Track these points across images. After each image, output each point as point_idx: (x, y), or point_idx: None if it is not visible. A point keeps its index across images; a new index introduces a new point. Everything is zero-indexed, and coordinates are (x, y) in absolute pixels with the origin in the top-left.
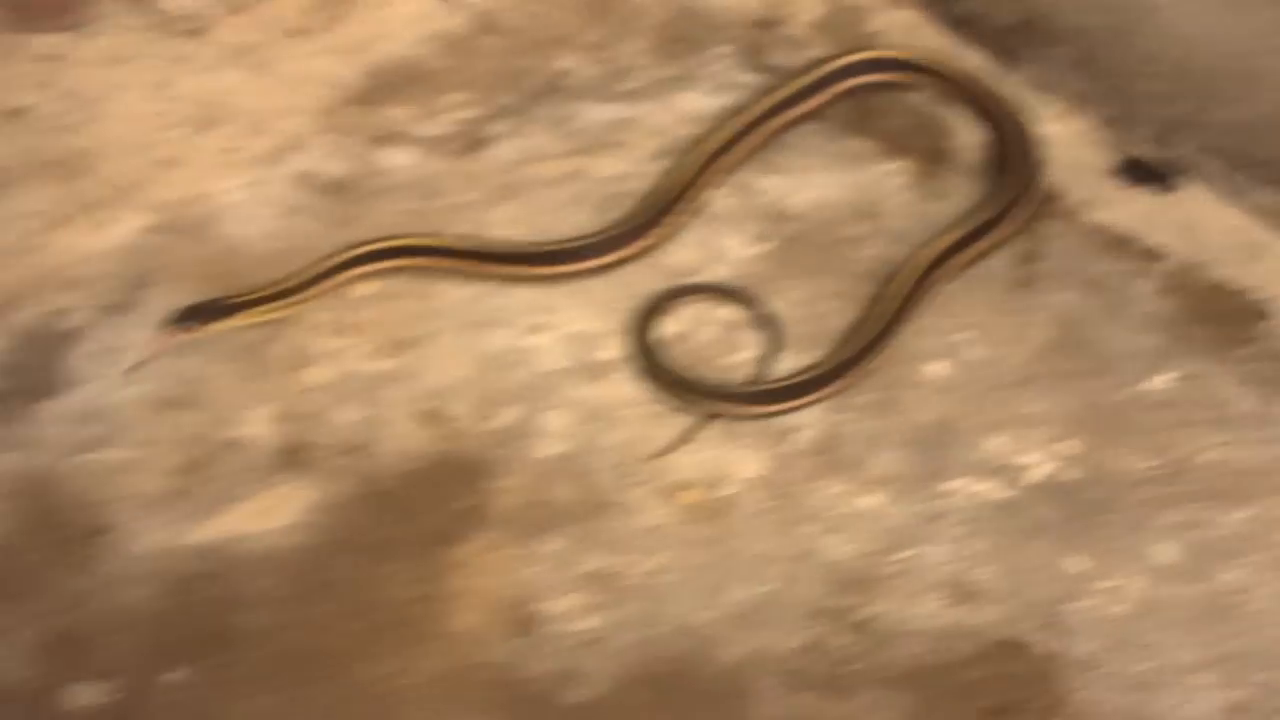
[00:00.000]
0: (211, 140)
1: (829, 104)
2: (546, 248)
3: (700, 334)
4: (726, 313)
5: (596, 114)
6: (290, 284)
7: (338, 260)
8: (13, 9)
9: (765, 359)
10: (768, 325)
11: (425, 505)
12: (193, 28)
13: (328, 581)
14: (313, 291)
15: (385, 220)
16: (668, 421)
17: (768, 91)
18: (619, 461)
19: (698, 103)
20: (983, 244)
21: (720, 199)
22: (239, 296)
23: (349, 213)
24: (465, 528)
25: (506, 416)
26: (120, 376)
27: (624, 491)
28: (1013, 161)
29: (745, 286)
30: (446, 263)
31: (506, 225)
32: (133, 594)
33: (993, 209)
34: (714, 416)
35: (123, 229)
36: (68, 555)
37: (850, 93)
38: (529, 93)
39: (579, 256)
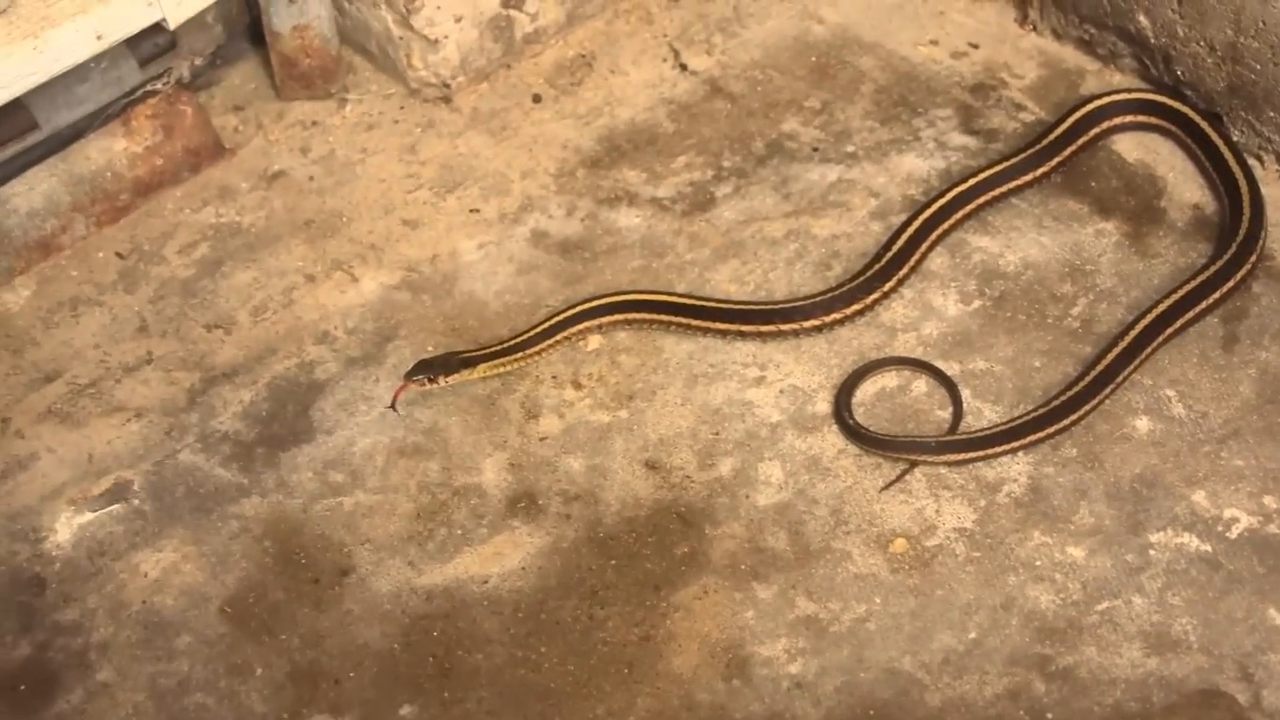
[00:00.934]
0: (454, 201)
1: (1050, 171)
2: (769, 307)
3: (906, 394)
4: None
5: (817, 175)
6: (522, 339)
7: (568, 315)
8: (285, 75)
9: (956, 417)
10: (950, 389)
11: (647, 551)
12: (440, 95)
13: (552, 623)
14: (543, 346)
15: (614, 277)
16: (878, 472)
17: (991, 159)
18: (831, 511)
19: (915, 165)
20: (1204, 305)
21: (935, 258)
22: (474, 351)
23: (579, 270)
24: (684, 573)
25: (726, 466)
26: (366, 424)
27: (835, 540)
28: (1237, 221)
29: (925, 359)
30: (673, 319)
31: (729, 283)
32: (369, 632)
33: (1218, 269)
34: (913, 465)
35: (371, 285)
36: (312, 595)
37: (1078, 151)
38: (754, 155)
39: (800, 316)
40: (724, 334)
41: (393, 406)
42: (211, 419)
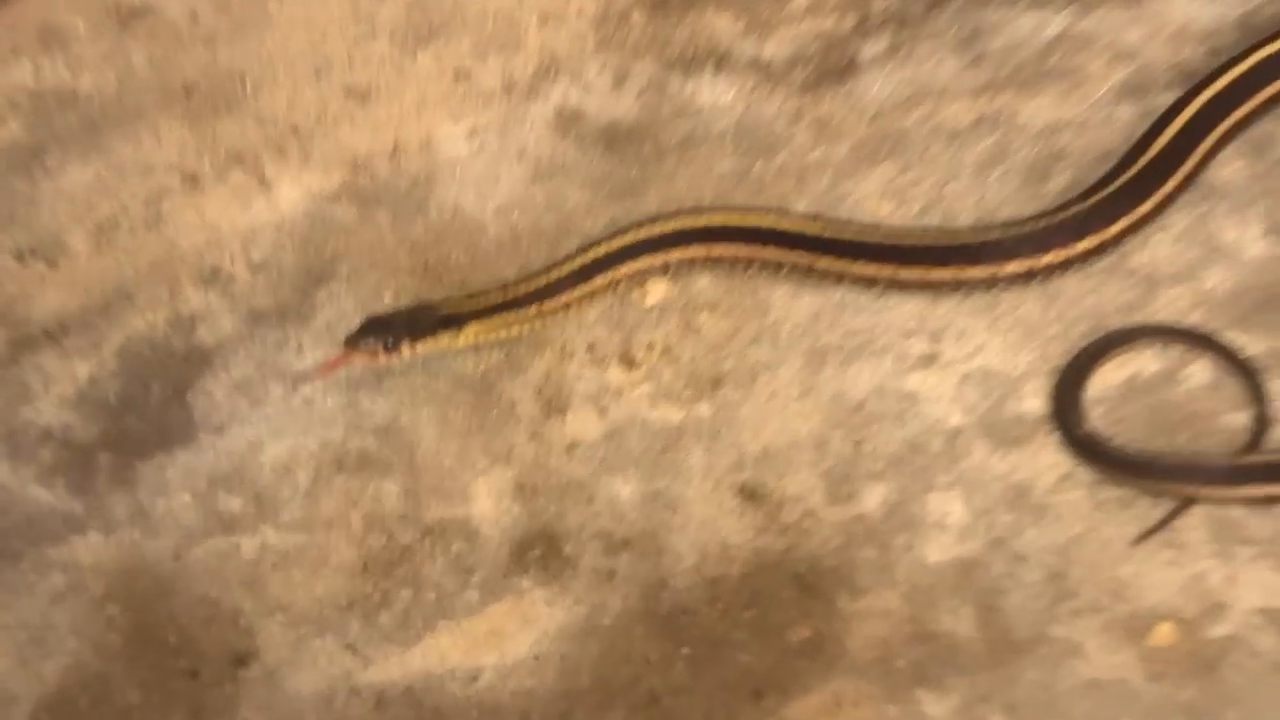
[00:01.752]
0: (429, 60)
1: None
2: (946, 240)
3: (1174, 386)
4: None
5: (1028, 26)
6: (537, 285)
7: (611, 249)
8: None
9: (1259, 423)
10: (1249, 378)
11: (741, 634)
12: None
13: None
14: (574, 296)
15: (689, 188)
16: (1128, 513)
17: None
18: (1049, 575)
19: (1193, 9)
20: None
21: (1225, 163)
22: (460, 303)
23: (634, 175)
24: (805, 671)
25: (873, 498)
26: (281, 419)
27: (1056, 623)
28: None
29: (1206, 330)
30: (785, 256)
31: (879, 199)
32: None
33: None
34: (1188, 503)
35: (291, 193)
36: (187, 697)
37: None
38: None
39: (998, 255)
40: (872, 283)
41: (320, 386)
42: (24, 405)
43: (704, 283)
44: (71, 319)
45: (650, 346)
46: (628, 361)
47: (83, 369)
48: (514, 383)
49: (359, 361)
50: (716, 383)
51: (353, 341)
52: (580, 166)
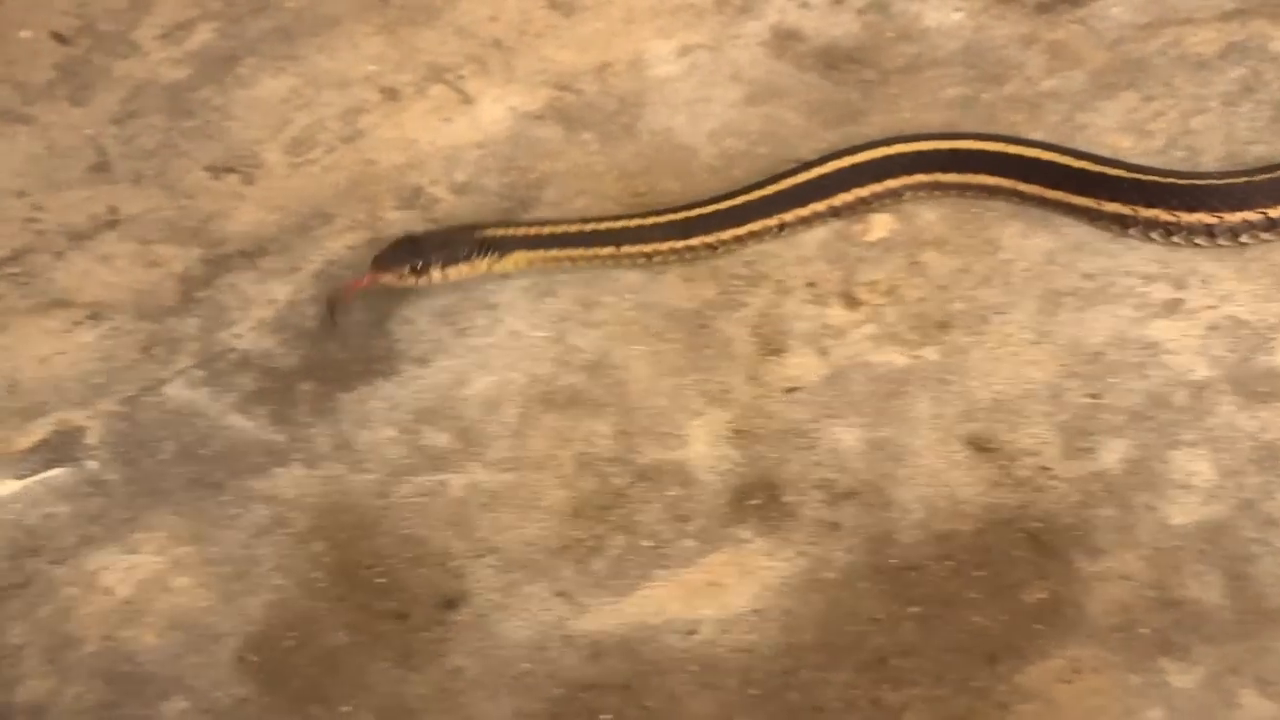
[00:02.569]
0: None
1: None
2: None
3: None
4: None
5: None
6: (623, 226)
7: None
8: None
9: None
10: None
11: (972, 593)
12: None
13: (809, 710)
14: (661, 248)
15: (913, 115)
16: None
17: None
18: None
19: None
20: None
21: None
22: (505, 228)
23: (855, 100)
24: (1041, 635)
25: (1113, 453)
26: (486, 350)
27: None
28: None
29: None
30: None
31: (1118, 132)
32: (491, 709)
33: None
34: None
35: (494, 111)
36: (396, 640)
37: None
38: None
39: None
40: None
41: (331, 316)
42: (222, 329)
43: (930, 217)
44: (268, 239)
45: (873, 285)
46: (850, 300)
47: (281, 291)
48: (729, 319)
49: (386, 283)
50: (944, 325)
51: (381, 262)
52: (797, 90)
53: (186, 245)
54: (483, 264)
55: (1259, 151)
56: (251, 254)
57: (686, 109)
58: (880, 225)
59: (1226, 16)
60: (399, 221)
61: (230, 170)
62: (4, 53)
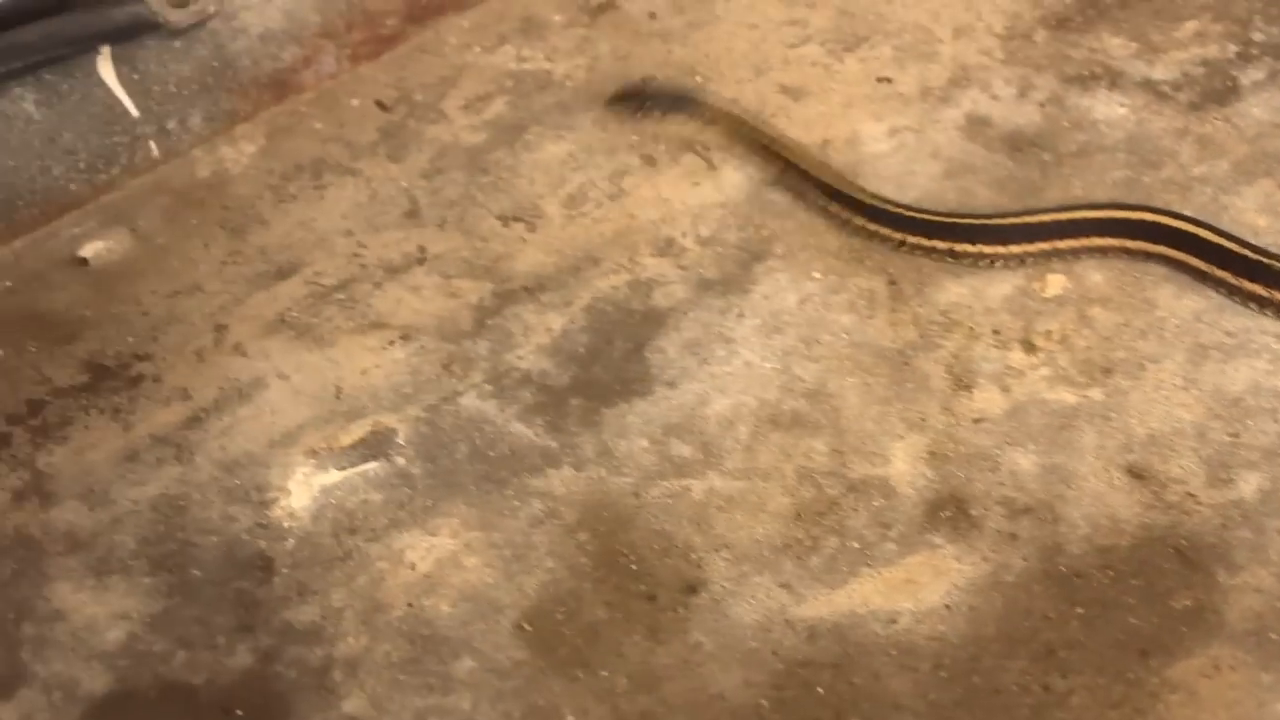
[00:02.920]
0: (855, 65)
1: None
2: None
3: None
4: None
5: None
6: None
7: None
8: None
9: None
10: None
11: (1130, 599)
12: None
13: (989, 691)
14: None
15: (1084, 192)
16: None
17: None
18: None
19: None
20: None
21: None
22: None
23: (1034, 178)
24: (1185, 636)
25: (1249, 484)
26: (724, 377)
27: None
28: None
29: None
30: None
31: (1256, 213)
32: (726, 679)
33: None
34: None
35: (735, 177)
36: (646, 617)
37: None
38: None
39: None
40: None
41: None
42: (507, 351)
43: (1097, 278)
44: (547, 277)
45: (1048, 334)
46: (1028, 346)
47: (556, 321)
48: (927, 359)
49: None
50: (1108, 371)
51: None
52: (987, 167)
53: (480, 280)
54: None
55: None
56: (533, 289)
57: (894, 180)
58: (1055, 284)
59: None
60: (654, 266)
61: (517, 219)
62: (337, 117)
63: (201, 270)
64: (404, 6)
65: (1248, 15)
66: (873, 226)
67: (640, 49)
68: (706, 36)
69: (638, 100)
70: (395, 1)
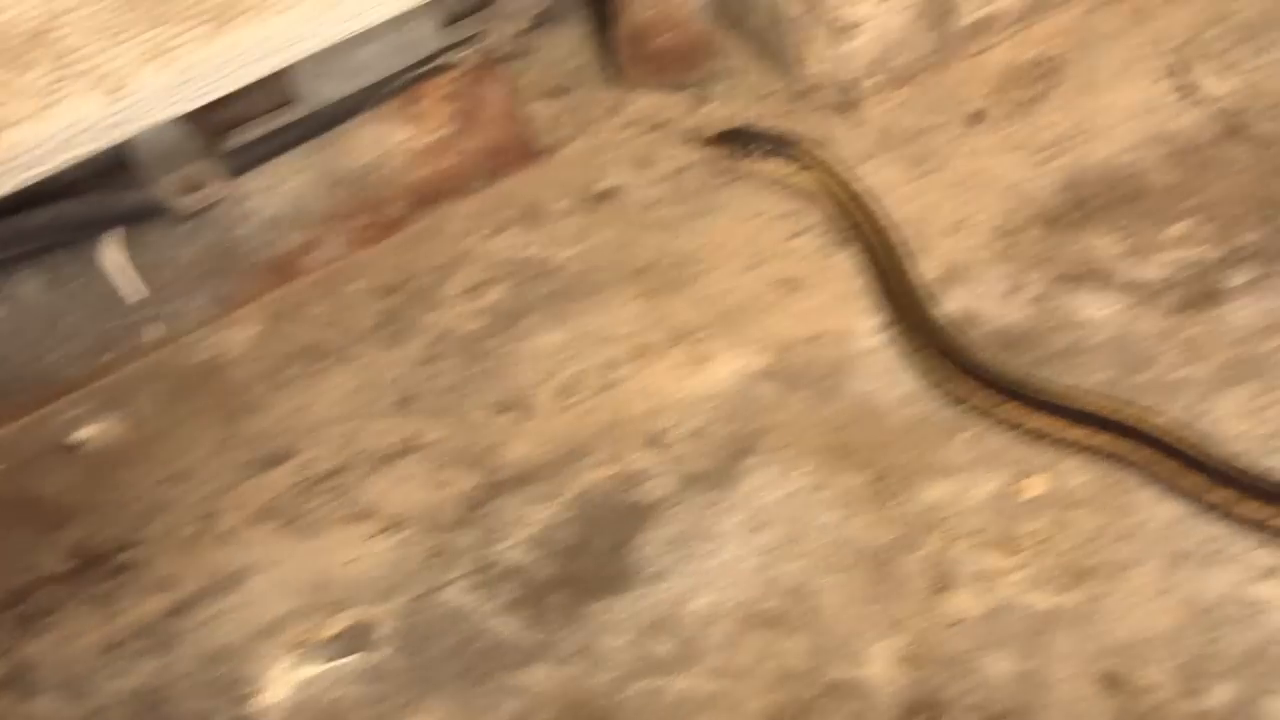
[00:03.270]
0: (847, 260)
1: None
2: None
3: None
4: None
5: None
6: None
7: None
8: (631, 54)
9: None
10: None
11: None
12: (841, 100)
13: None
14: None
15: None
16: None
17: None
18: None
19: None
20: None
21: None
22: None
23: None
24: None
25: (1222, 694)
26: (707, 574)
27: None
28: None
29: None
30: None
31: (1237, 418)
32: None
33: None
34: None
35: (725, 370)
36: None
37: None
38: None
39: None
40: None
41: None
42: (494, 543)
43: (1079, 481)
44: (536, 468)
45: (1028, 537)
46: (1007, 549)
47: (543, 514)
48: (907, 559)
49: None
50: (1086, 575)
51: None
52: None
53: (470, 470)
54: (783, 166)
55: None
56: (522, 480)
57: (883, 377)
58: (1037, 484)
59: None
60: (642, 459)
61: (510, 408)
62: (337, 302)
63: (193, 456)
64: (408, 192)
65: (1234, 218)
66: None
67: (640, 237)
68: (706, 226)
69: (741, 140)
70: (399, 187)
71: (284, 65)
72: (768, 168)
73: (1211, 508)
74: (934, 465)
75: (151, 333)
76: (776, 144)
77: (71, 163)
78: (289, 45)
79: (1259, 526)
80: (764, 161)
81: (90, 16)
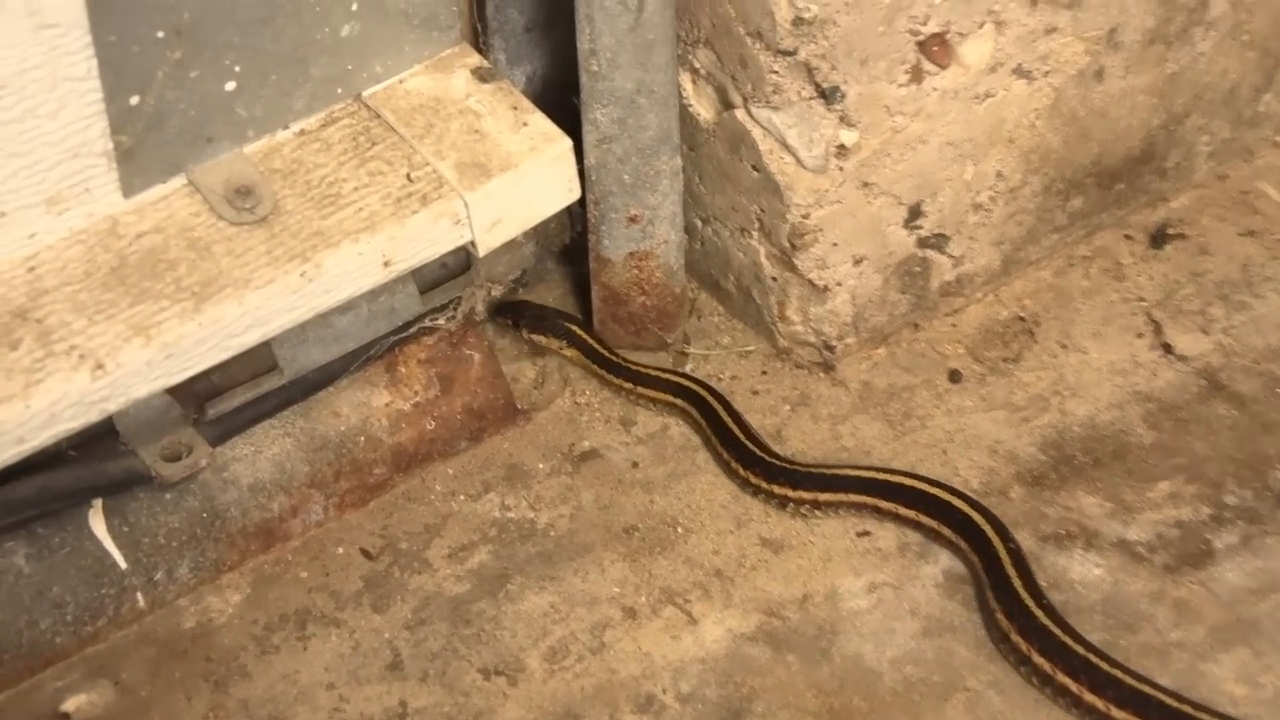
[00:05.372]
0: (834, 519)
1: None
2: None
3: None
4: None
5: None
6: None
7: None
8: (608, 315)
9: None
10: None
11: None
12: (819, 360)
13: None
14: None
15: None
16: None
17: None
18: None
19: None
20: None
21: None
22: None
23: None
24: None
25: None
26: None
27: None
28: None
29: None
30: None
31: (1234, 683)
32: None
33: None
34: None
35: (715, 631)
36: None
37: None
38: (1273, 491)
39: None
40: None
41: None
42: None
43: None
44: None
45: None
46: None
47: None
48: None
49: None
50: None
51: (493, 313)
52: (966, 627)
53: None
54: (553, 342)
55: None
56: None
57: (873, 638)
58: None
59: None
60: None
61: (499, 673)
62: (323, 565)
63: None
64: (391, 455)
65: (1219, 477)
66: None
67: (622, 498)
68: (688, 487)
69: (515, 314)
70: (383, 450)
71: (264, 339)
72: (540, 341)
73: None
74: None
75: (139, 600)
76: (547, 320)
77: (56, 439)
78: (268, 320)
79: None
80: (534, 335)
81: (72, 295)
